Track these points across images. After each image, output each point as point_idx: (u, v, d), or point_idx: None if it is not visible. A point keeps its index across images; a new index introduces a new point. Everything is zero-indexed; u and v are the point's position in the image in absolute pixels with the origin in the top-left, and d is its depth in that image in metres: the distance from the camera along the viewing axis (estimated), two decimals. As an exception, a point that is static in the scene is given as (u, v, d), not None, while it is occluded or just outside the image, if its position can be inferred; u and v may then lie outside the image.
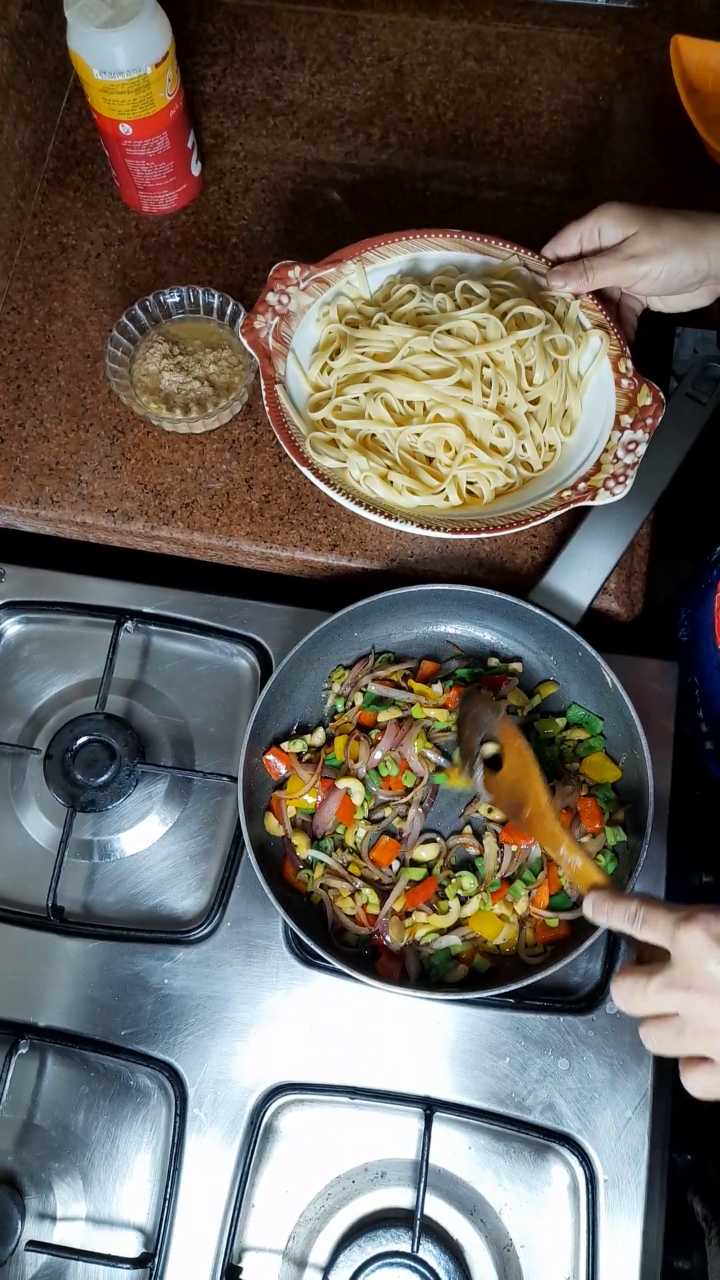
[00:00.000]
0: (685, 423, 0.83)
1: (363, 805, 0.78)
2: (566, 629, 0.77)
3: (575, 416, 0.83)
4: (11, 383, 0.93)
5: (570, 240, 0.84)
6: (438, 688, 0.80)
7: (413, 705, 0.80)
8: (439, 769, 0.79)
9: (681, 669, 0.83)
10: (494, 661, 0.82)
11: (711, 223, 0.79)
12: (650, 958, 0.58)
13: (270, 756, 0.79)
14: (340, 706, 0.82)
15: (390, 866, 0.77)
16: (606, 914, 0.60)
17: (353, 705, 0.81)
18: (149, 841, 0.82)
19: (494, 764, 0.73)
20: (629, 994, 0.57)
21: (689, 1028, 0.55)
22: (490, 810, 0.78)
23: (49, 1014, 0.76)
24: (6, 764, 0.84)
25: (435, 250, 0.88)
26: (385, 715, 0.80)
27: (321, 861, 0.77)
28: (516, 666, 0.82)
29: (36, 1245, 0.70)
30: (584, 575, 0.80)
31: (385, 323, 0.83)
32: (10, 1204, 0.71)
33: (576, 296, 0.84)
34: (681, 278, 0.79)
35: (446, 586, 0.80)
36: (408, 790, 0.79)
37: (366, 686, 0.81)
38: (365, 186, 1.01)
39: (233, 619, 0.86)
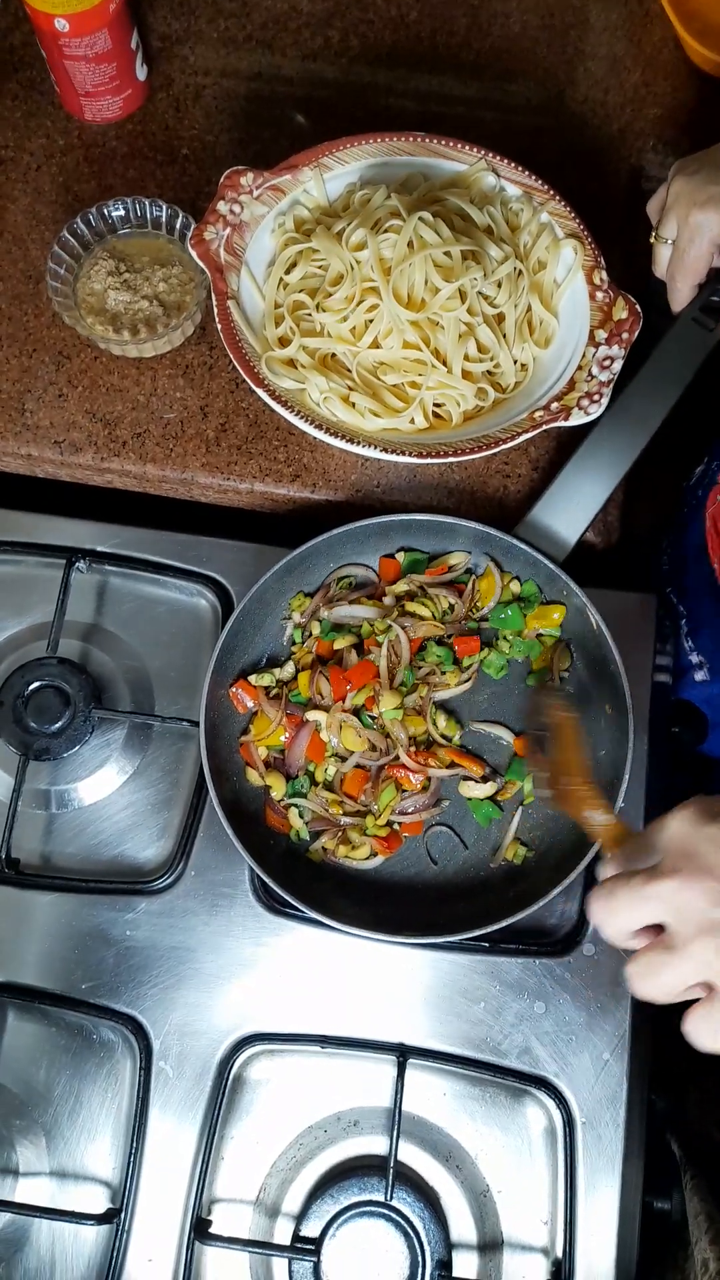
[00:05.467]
0: (689, 349, 0.77)
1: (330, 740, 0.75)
2: (554, 567, 0.73)
3: (551, 329, 0.78)
4: (-51, 308, 0.87)
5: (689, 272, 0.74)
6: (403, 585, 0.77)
7: (363, 624, 0.76)
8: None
9: (660, 600, 0.79)
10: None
11: None
12: None
13: (238, 689, 0.75)
14: (298, 638, 0.78)
15: (362, 797, 0.74)
16: (617, 858, 0.52)
17: (309, 635, 0.77)
18: (108, 790, 0.78)
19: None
20: (607, 901, 0.48)
21: (678, 939, 0.46)
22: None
23: (8, 968, 0.73)
24: (-45, 712, 0.80)
25: (398, 155, 0.82)
26: (341, 642, 0.76)
27: (300, 806, 0.74)
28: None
29: (-2, 1204, 0.68)
30: (573, 510, 0.76)
31: (344, 232, 0.77)
32: (-31, 1163, 0.68)
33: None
34: None
35: (426, 517, 0.75)
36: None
37: (324, 617, 0.77)
38: (324, 94, 0.95)
39: (191, 557, 0.82)
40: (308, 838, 0.74)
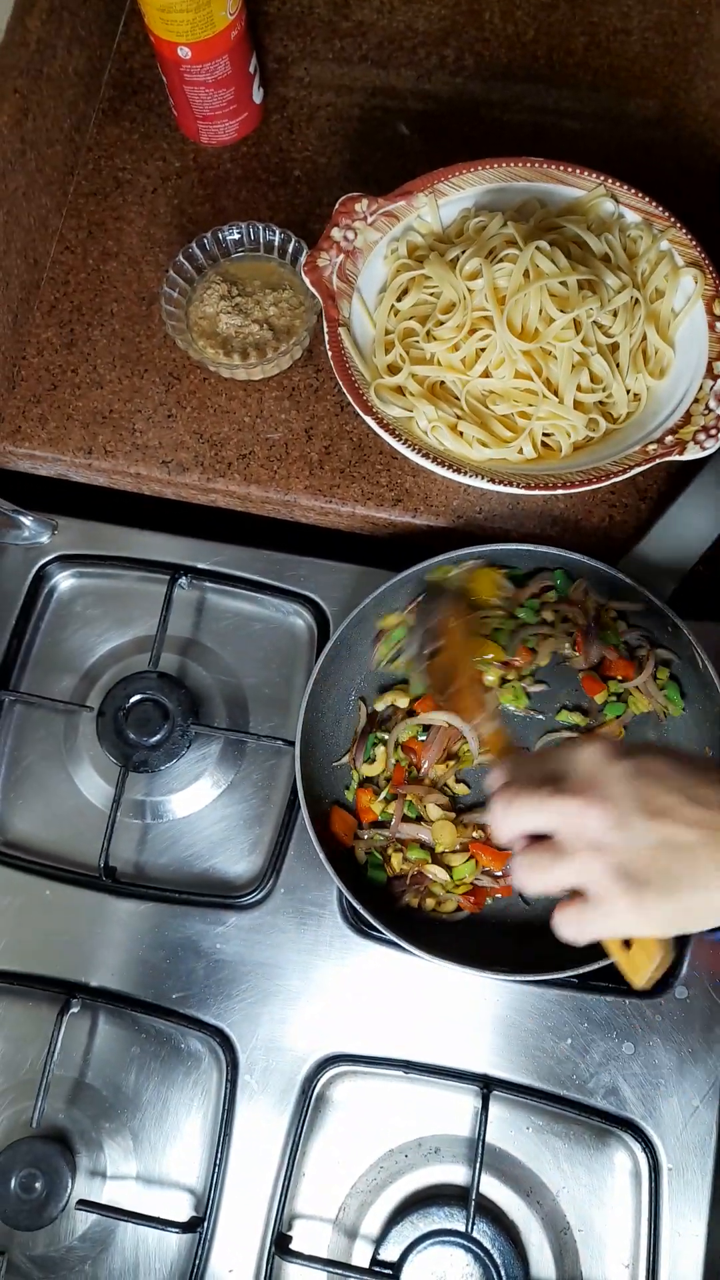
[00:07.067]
0: None
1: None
2: (659, 603, 0.72)
3: (666, 360, 0.77)
4: (65, 326, 0.89)
5: None
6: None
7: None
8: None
9: None
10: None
11: None
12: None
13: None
14: (385, 652, 0.78)
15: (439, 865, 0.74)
16: (508, 766, 0.55)
17: (399, 654, 0.77)
18: (202, 803, 0.80)
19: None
20: (508, 804, 0.52)
21: (566, 848, 0.51)
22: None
23: (100, 974, 0.76)
24: (60, 721, 0.82)
25: (514, 180, 0.81)
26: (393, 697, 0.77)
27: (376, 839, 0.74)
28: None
29: (86, 1204, 0.70)
30: (682, 545, 0.74)
31: (458, 260, 0.77)
32: (61, 1161, 0.70)
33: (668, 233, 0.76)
34: None
35: (527, 548, 0.74)
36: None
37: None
38: (438, 114, 0.95)
39: (289, 577, 0.83)
40: (385, 878, 0.74)
